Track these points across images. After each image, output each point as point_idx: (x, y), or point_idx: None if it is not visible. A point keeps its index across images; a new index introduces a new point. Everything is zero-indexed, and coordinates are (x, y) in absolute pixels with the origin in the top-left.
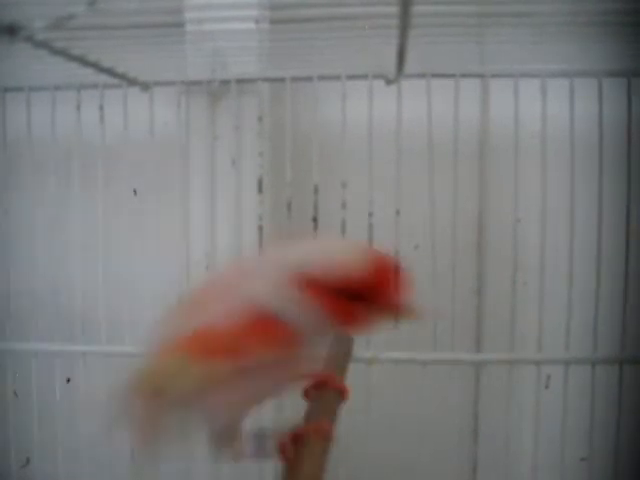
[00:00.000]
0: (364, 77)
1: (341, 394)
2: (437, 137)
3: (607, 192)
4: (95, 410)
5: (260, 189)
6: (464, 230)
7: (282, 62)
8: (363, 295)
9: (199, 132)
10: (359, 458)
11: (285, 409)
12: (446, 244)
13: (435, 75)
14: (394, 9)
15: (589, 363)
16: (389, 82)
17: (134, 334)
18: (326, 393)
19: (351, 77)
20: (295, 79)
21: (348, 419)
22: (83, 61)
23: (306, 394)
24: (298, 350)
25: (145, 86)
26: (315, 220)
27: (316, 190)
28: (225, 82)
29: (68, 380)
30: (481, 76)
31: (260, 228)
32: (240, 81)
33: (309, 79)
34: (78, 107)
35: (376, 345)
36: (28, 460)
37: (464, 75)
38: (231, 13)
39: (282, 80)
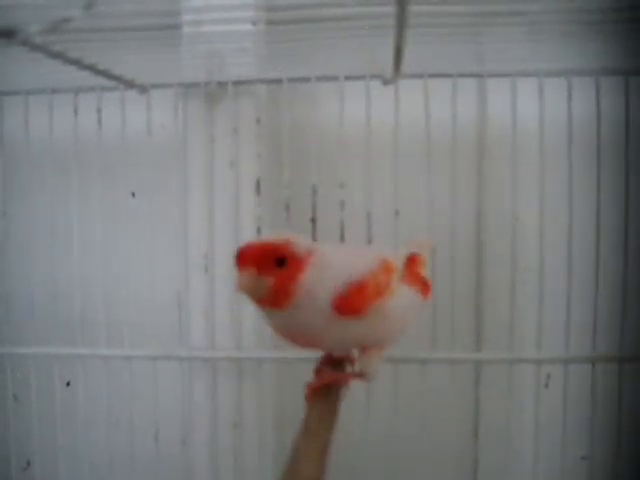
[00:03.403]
0: (361, 78)
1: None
2: (435, 137)
3: (605, 190)
4: (95, 413)
5: (258, 190)
6: (463, 229)
7: (279, 63)
8: None
9: (197, 134)
10: (359, 457)
11: None
12: (445, 244)
13: (432, 75)
14: (391, 9)
15: (589, 362)
16: (386, 82)
17: (133, 337)
18: None
19: (348, 78)
20: (292, 80)
21: (348, 418)
22: (80, 64)
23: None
24: None
25: (142, 89)
26: (313, 221)
27: (314, 191)
28: (222, 84)
29: (68, 383)
30: (478, 76)
31: (258, 229)
32: (237, 83)
33: (306, 80)
34: (75, 110)
35: None
36: (29, 463)
37: (461, 75)
38: (228, 15)
39: (279, 81)
